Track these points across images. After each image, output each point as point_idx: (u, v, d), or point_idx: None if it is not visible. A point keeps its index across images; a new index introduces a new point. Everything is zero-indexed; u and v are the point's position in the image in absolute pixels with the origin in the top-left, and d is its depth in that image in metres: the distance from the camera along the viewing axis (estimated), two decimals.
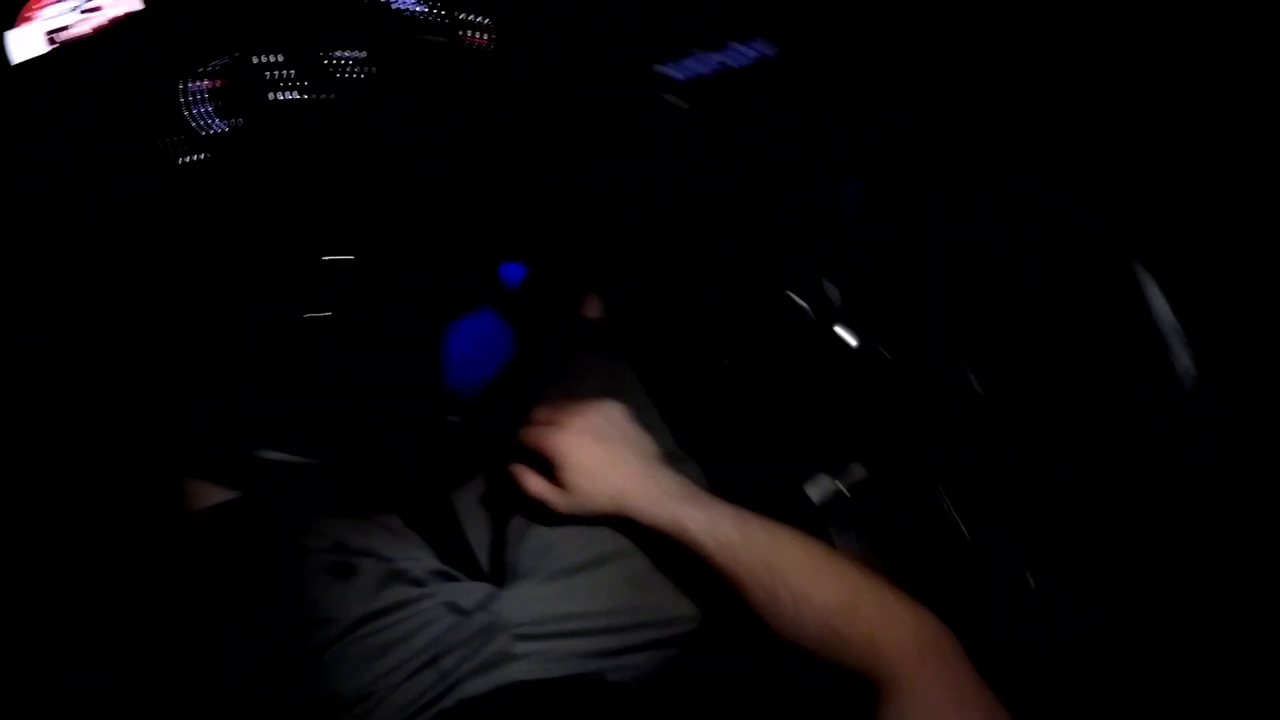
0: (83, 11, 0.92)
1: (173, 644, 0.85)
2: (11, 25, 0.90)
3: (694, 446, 0.96)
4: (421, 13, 0.94)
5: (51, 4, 0.91)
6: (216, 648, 0.85)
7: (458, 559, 0.96)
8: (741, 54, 0.93)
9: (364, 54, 0.92)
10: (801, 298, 0.94)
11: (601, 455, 0.87)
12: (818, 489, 0.93)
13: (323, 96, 0.92)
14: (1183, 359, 0.84)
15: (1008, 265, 0.95)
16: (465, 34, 0.93)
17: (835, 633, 0.75)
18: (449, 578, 0.92)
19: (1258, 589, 0.80)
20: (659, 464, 0.88)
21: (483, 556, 0.97)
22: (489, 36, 0.96)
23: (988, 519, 0.87)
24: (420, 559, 0.92)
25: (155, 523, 0.95)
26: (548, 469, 0.89)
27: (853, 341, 0.93)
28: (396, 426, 0.85)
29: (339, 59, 0.91)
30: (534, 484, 0.90)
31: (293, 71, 0.90)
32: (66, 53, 0.92)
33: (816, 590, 0.77)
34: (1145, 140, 0.91)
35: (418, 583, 0.89)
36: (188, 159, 0.91)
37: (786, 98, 0.94)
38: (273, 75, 0.90)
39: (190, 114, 0.90)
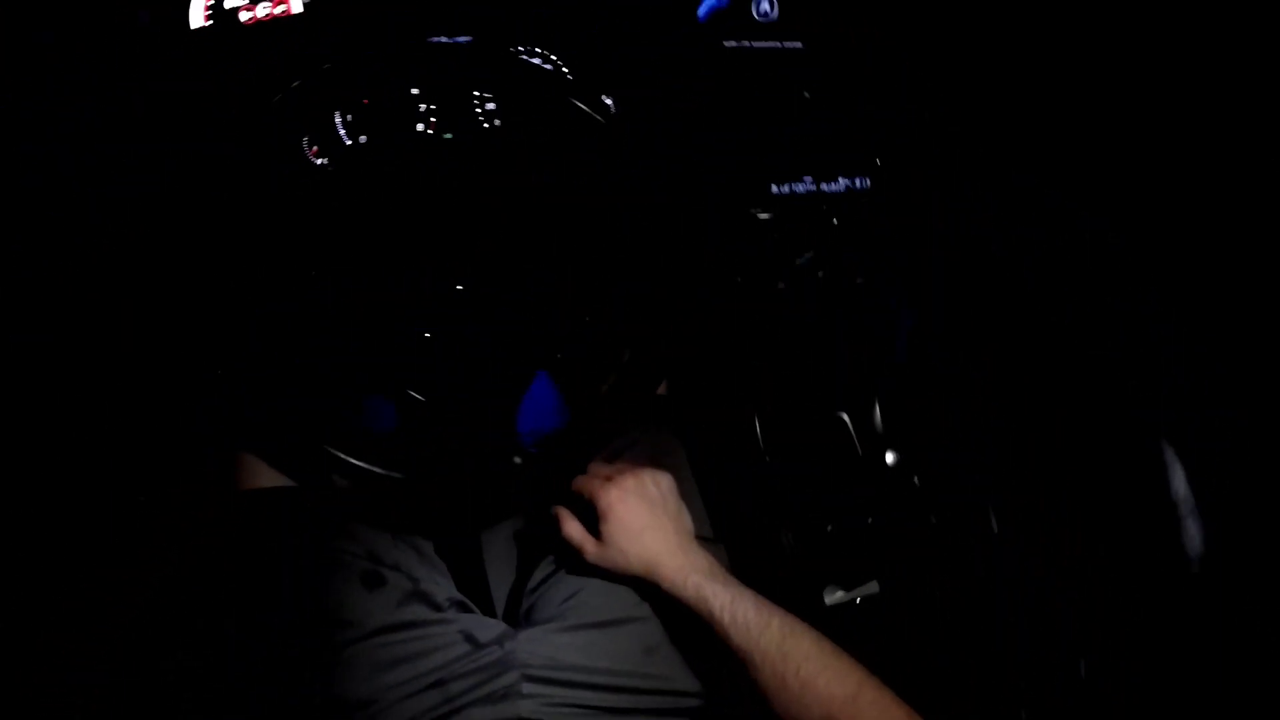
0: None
1: (194, 627, 0.87)
2: None
3: (724, 527, 0.99)
4: (565, 80, 1.01)
5: None
6: (238, 633, 0.86)
7: (476, 594, 0.98)
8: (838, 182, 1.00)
9: (499, 107, 0.99)
10: (852, 423, 0.99)
11: (645, 518, 0.91)
12: (831, 596, 0.97)
13: (450, 137, 0.98)
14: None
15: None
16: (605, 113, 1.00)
17: None
18: (467, 609, 0.94)
19: (1256, 590, 0.83)
20: (693, 540, 0.92)
21: (500, 597, 1.00)
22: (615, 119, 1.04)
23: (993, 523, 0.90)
24: (443, 585, 0.94)
25: (179, 506, 0.97)
26: (591, 518, 0.92)
27: (890, 459, 0.98)
28: (467, 456, 0.88)
29: (483, 109, 0.97)
30: (573, 529, 0.93)
31: (437, 109, 0.96)
32: (221, 31, 0.97)
33: (823, 680, 0.80)
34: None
35: (438, 607, 0.92)
36: (320, 161, 0.96)
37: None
38: (422, 109, 0.95)
39: (338, 121, 0.95)
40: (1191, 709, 0.83)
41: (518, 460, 0.89)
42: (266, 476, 0.94)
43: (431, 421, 0.87)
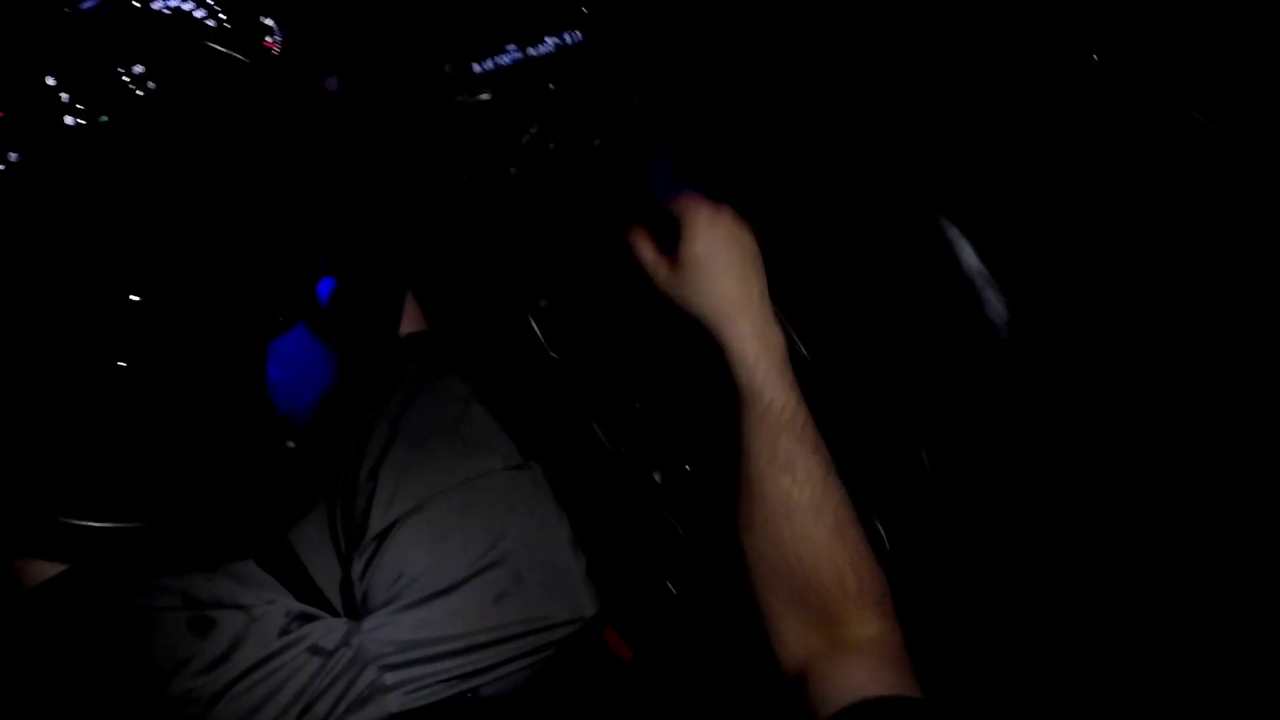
0: None
1: None
2: None
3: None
4: (206, 18, 0.89)
5: None
6: None
7: (311, 598, 0.90)
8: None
9: (147, 69, 0.86)
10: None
11: (738, 263, 0.76)
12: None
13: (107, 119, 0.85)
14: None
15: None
16: (263, 39, 0.88)
17: (811, 548, 0.70)
18: (309, 617, 0.87)
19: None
20: (773, 316, 0.78)
21: (332, 592, 0.92)
22: (278, 39, 0.91)
23: None
24: (277, 601, 0.87)
25: None
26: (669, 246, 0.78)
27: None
28: (229, 463, 0.78)
29: (131, 76, 0.84)
30: (646, 250, 0.79)
31: (80, 93, 0.83)
32: None
33: (815, 509, 0.71)
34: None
35: (280, 629, 0.84)
36: None
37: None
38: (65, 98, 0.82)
39: None
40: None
41: (290, 444, 0.80)
42: (46, 570, 0.83)
43: (175, 448, 0.76)
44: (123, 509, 0.76)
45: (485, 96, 0.89)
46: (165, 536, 0.79)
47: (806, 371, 0.91)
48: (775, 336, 0.76)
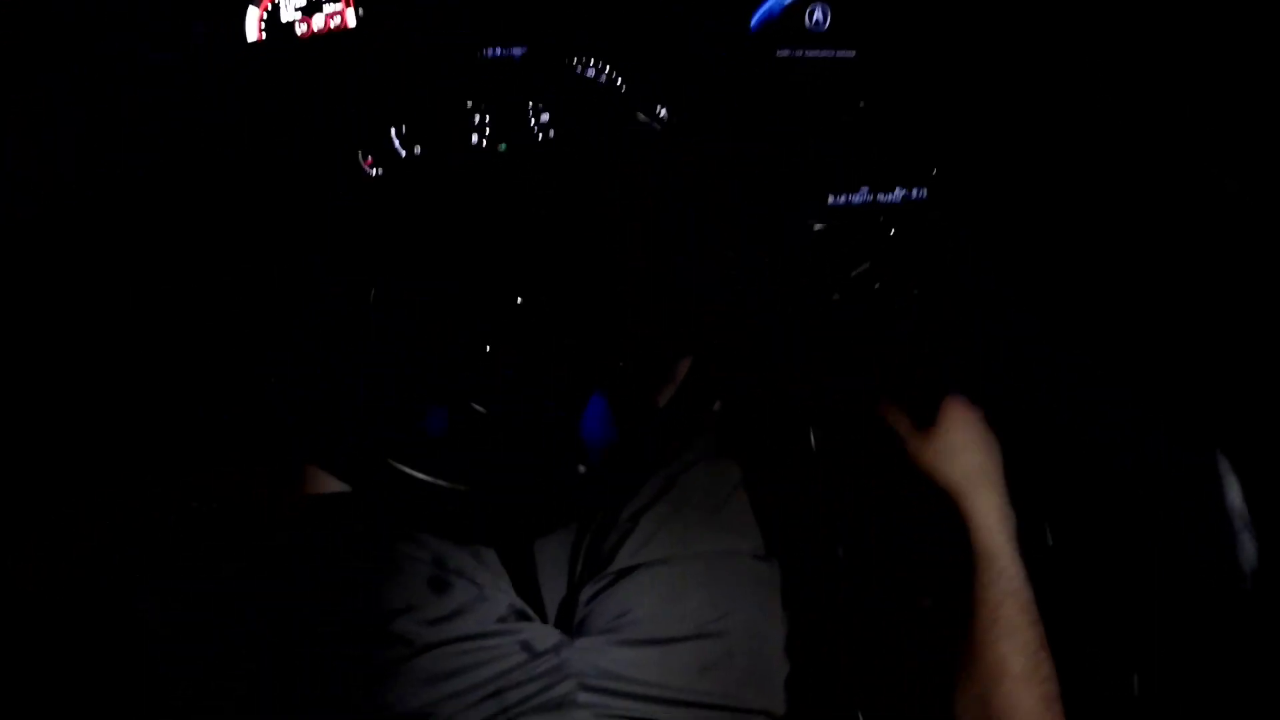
0: (300, 12, 0.98)
1: (254, 629, 0.87)
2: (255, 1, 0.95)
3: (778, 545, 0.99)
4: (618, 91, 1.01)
5: None
6: (301, 634, 0.87)
7: (530, 602, 0.98)
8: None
9: (552, 118, 0.98)
10: None
11: (984, 448, 0.89)
12: None
13: (504, 148, 0.98)
14: None
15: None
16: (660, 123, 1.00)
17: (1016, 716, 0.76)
18: (526, 617, 0.95)
19: None
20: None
21: (552, 606, 1.00)
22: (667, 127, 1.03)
23: None
24: (505, 593, 0.95)
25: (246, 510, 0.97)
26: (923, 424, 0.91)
27: None
28: (530, 467, 0.88)
29: (537, 121, 0.97)
30: (902, 421, 0.93)
31: (490, 120, 0.96)
32: (277, 44, 0.98)
33: (1025, 679, 0.76)
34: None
35: (501, 617, 0.92)
36: (375, 171, 0.96)
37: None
38: (476, 120, 0.95)
39: (393, 133, 0.95)
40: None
41: (581, 469, 0.89)
42: (331, 485, 0.94)
43: (494, 433, 0.87)
44: (433, 468, 0.86)
45: (822, 226, 0.98)
46: (454, 501, 0.88)
47: (1048, 555, 0.95)
48: (1012, 514, 0.85)
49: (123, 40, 0.94)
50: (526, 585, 0.99)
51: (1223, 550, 0.88)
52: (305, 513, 0.94)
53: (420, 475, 0.84)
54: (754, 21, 0.98)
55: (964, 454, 0.88)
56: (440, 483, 0.84)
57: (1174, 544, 0.92)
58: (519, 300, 0.86)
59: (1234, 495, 0.89)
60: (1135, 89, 0.96)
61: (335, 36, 0.96)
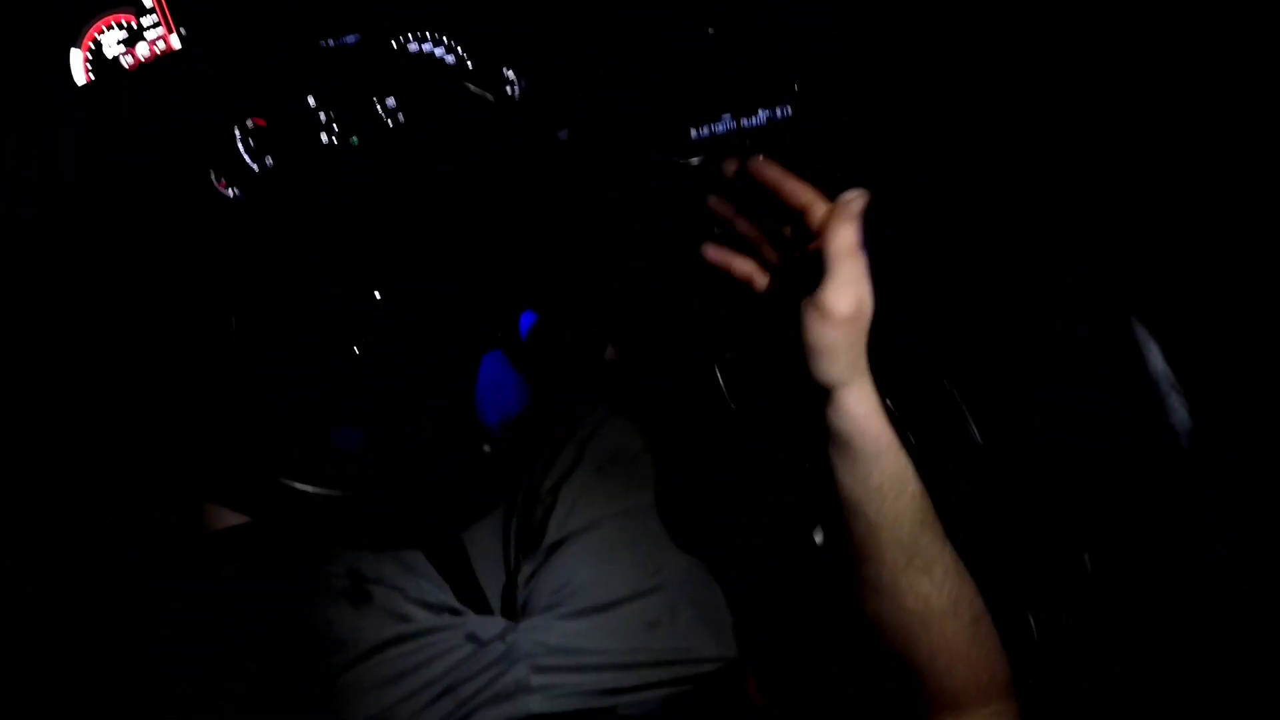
0: (123, 45, 0.95)
1: (189, 668, 0.86)
2: (76, 44, 0.93)
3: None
4: (459, 63, 0.99)
5: (101, 31, 0.94)
6: (234, 672, 0.86)
7: (469, 596, 0.97)
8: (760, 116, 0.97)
9: (398, 101, 0.96)
10: None
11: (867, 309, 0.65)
12: (820, 535, 0.95)
13: (356, 141, 0.95)
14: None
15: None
16: (505, 89, 0.98)
17: (947, 650, 0.67)
18: (459, 613, 0.94)
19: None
20: None
21: (493, 594, 0.99)
22: (521, 91, 1.01)
23: None
24: (433, 592, 0.94)
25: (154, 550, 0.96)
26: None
27: None
28: (429, 455, 0.86)
29: (383, 107, 0.95)
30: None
31: (336, 116, 0.94)
32: (106, 82, 0.95)
33: (952, 610, 0.67)
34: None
35: (434, 612, 0.91)
36: (231, 192, 0.94)
37: None
38: (322, 118, 0.93)
39: (241, 149, 0.93)
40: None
41: (486, 448, 0.87)
42: (230, 518, 0.93)
43: (388, 431, 0.85)
44: (330, 479, 0.84)
45: (696, 160, 0.96)
46: (358, 511, 0.86)
47: (977, 456, 0.93)
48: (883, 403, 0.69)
49: None
50: (463, 579, 0.97)
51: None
52: (211, 549, 0.93)
53: (319, 490, 0.83)
54: None
55: (855, 351, 0.65)
56: (340, 493, 0.83)
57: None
58: (376, 295, 0.84)
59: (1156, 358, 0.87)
60: None
61: (163, 62, 0.94)
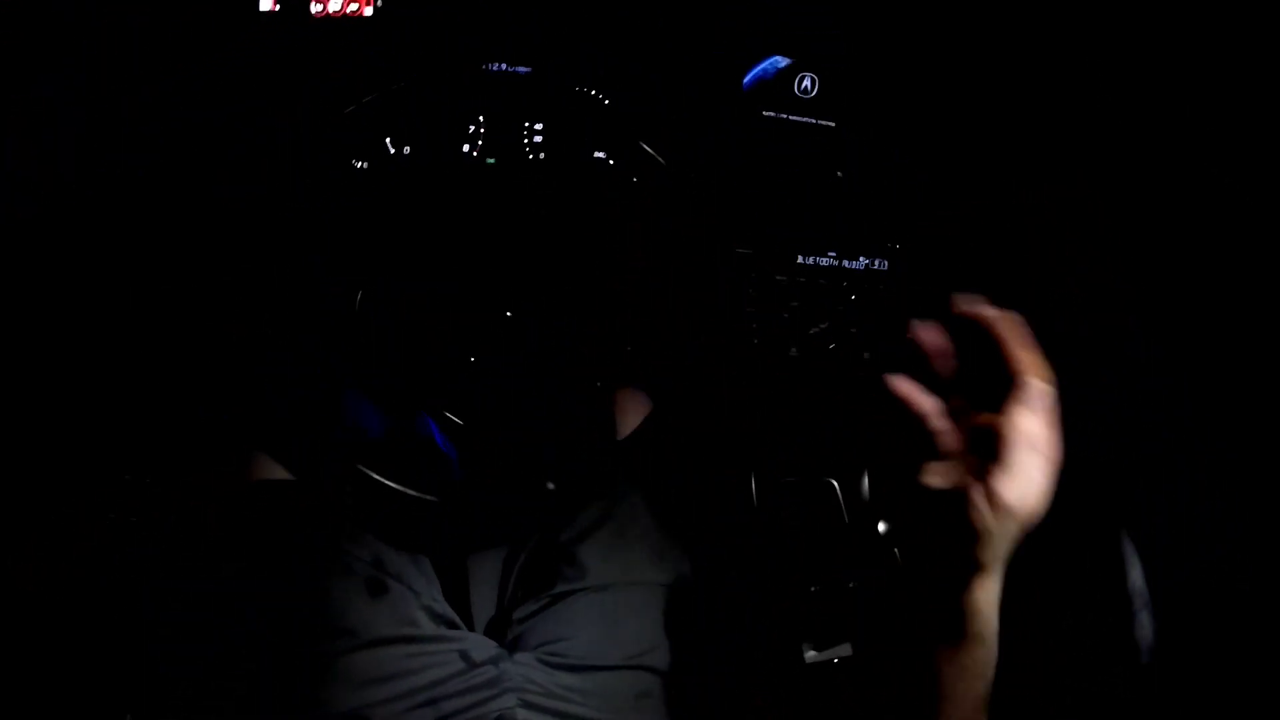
0: None
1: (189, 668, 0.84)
2: None
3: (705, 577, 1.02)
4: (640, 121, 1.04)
5: None
6: (234, 672, 0.84)
7: (460, 613, 0.98)
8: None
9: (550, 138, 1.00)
10: (841, 490, 1.02)
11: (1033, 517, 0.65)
12: (809, 654, 1.00)
13: (493, 162, 0.99)
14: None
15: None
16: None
17: None
18: (456, 627, 0.95)
19: None
20: None
21: (481, 620, 1.00)
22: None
23: None
24: (439, 602, 0.94)
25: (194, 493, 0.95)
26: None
27: (881, 529, 1.03)
28: (499, 481, 0.88)
29: (531, 138, 0.99)
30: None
31: (486, 135, 0.97)
32: (288, 17, 0.96)
33: None
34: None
35: (436, 623, 0.92)
36: (360, 165, 0.96)
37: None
38: (470, 130, 0.96)
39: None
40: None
41: (550, 487, 0.89)
42: (276, 472, 0.92)
43: (466, 445, 0.87)
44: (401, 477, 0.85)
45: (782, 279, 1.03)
46: (408, 508, 0.87)
47: None
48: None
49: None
50: (457, 596, 0.98)
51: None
52: (255, 497, 0.92)
53: (389, 484, 0.84)
54: (746, 80, 1.03)
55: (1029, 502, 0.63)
56: (409, 492, 0.84)
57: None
58: (507, 314, 0.88)
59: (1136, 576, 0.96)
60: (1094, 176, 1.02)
61: (348, 22, 0.96)
